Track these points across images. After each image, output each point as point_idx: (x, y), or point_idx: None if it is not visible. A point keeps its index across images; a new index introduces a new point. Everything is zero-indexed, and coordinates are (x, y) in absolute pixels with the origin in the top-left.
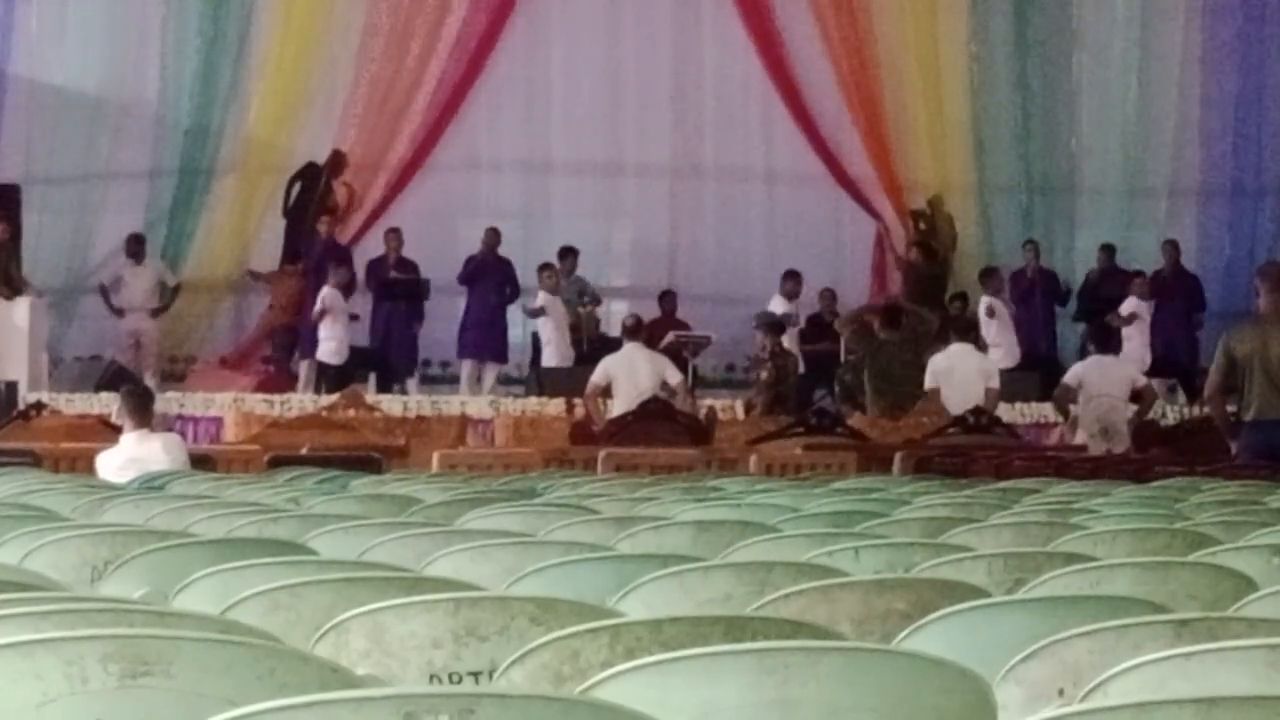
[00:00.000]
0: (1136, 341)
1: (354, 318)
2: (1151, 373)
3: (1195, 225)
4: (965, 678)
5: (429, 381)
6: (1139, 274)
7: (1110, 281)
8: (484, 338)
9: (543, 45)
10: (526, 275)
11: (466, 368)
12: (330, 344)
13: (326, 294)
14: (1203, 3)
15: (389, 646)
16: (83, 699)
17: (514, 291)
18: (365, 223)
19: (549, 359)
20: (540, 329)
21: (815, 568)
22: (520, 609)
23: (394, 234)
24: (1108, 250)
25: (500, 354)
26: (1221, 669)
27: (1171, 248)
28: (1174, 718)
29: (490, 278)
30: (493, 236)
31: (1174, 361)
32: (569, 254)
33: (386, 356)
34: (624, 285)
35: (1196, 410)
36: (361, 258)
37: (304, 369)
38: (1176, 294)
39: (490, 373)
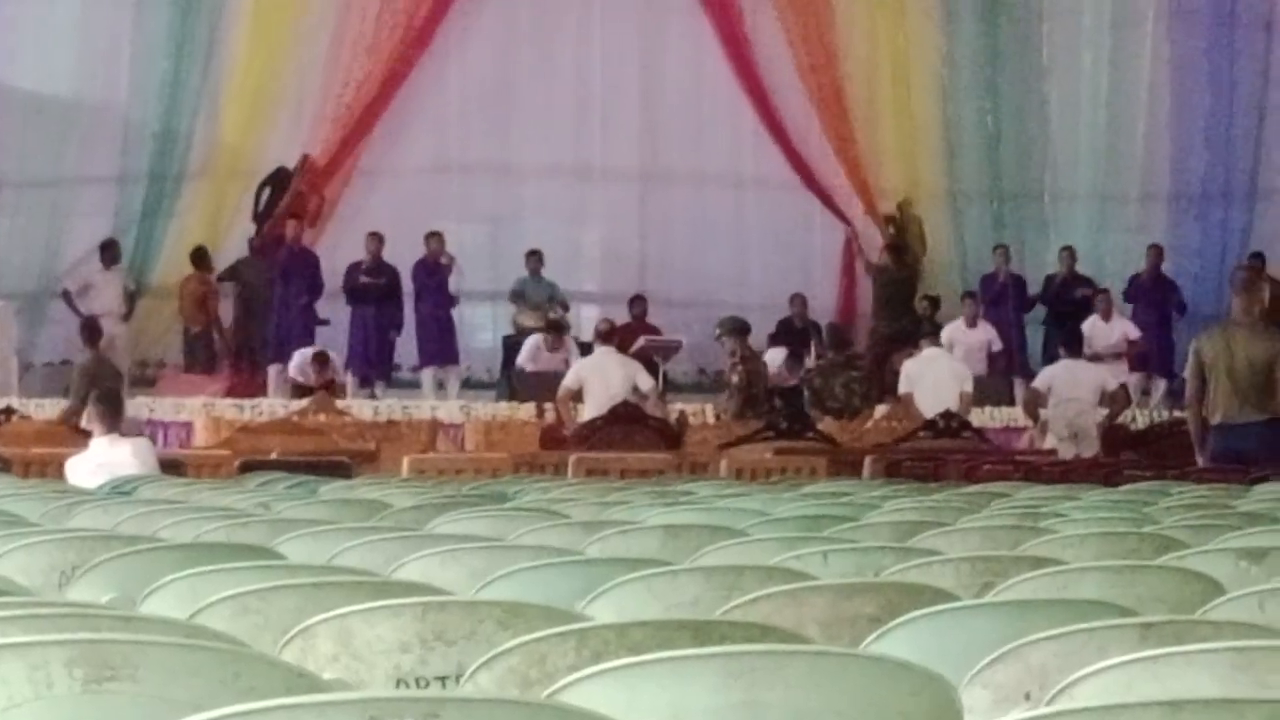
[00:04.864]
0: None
1: (324, 323)
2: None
3: (1166, 231)
4: (932, 681)
5: (399, 386)
6: (1103, 291)
7: (1075, 285)
8: (437, 343)
9: (512, 50)
10: (497, 280)
11: (427, 376)
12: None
13: (298, 364)
14: (1171, 9)
15: (356, 651)
16: (48, 704)
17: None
18: (333, 227)
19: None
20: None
21: (784, 572)
22: (488, 613)
23: (374, 238)
24: (1070, 252)
25: (454, 356)
26: (1188, 672)
27: (1154, 252)
28: None
29: (436, 283)
30: (437, 241)
31: (1150, 364)
32: (533, 257)
33: (365, 362)
34: (594, 290)
35: (1168, 413)
36: (331, 262)
37: (273, 373)
38: (1155, 298)
39: (452, 376)
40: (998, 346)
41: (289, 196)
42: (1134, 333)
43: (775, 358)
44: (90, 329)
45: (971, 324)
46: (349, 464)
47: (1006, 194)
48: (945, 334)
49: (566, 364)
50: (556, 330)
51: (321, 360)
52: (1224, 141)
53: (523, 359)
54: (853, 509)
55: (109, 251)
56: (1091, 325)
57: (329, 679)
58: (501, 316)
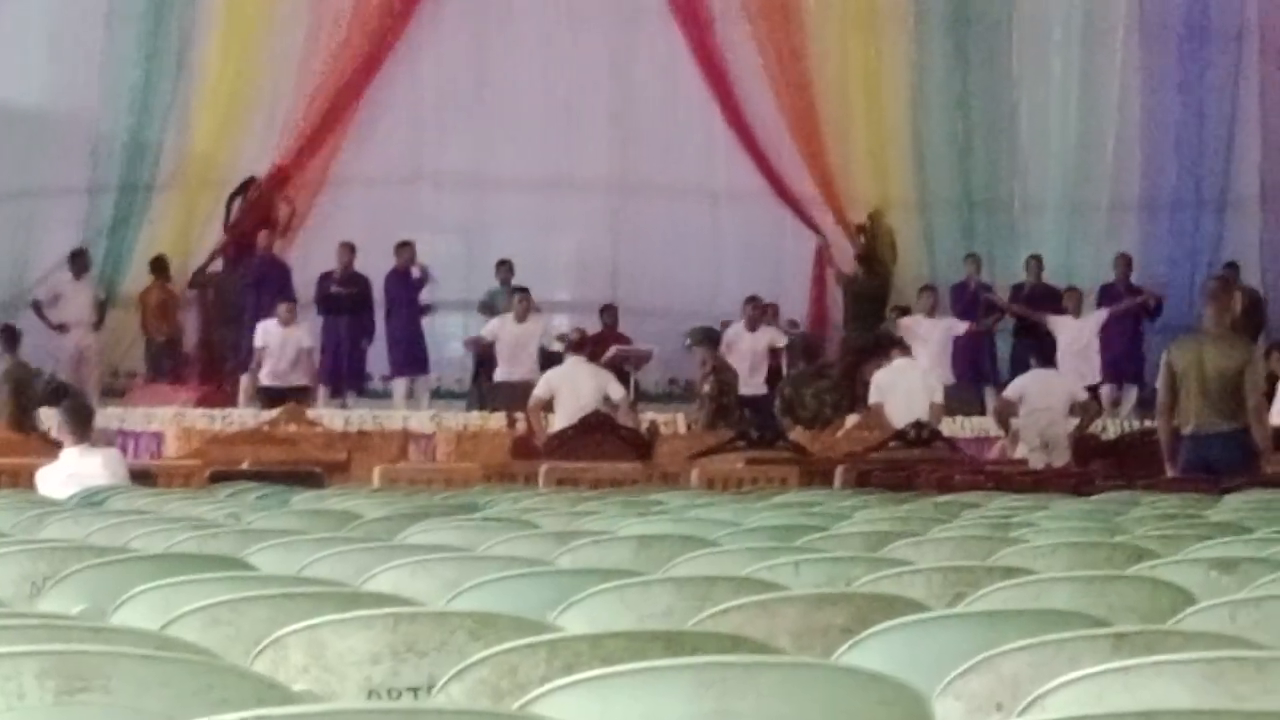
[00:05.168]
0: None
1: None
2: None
3: (1136, 240)
4: (903, 692)
5: (370, 396)
6: (1072, 289)
7: (1042, 294)
8: (407, 353)
9: (483, 60)
10: (469, 290)
11: (399, 387)
12: (268, 370)
13: (261, 330)
14: (1141, 19)
15: (327, 662)
16: (19, 715)
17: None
18: (304, 237)
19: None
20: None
21: (755, 582)
22: (459, 624)
23: (346, 248)
24: (1037, 261)
25: (425, 366)
26: (1159, 682)
27: (1123, 261)
28: None
29: (408, 293)
30: (409, 251)
31: (1122, 373)
32: (503, 267)
33: (337, 372)
34: (565, 299)
35: (1138, 423)
36: (303, 272)
37: (244, 383)
38: (1124, 310)
39: (422, 386)
40: (960, 329)
41: (259, 206)
42: (1104, 315)
43: (737, 331)
44: (8, 334)
45: (930, 315)
46: (320, 474)
47: (977, 203)
48: (906, 325)
49: (540, 337)
50: (522, 291)
51: (290, 301)
52: (1194, 151)
53: (487, 331)
54: (824, 519)
55: (78, 261)
56: (1061, 322)
57: (300, 690)
58: (473, 327)
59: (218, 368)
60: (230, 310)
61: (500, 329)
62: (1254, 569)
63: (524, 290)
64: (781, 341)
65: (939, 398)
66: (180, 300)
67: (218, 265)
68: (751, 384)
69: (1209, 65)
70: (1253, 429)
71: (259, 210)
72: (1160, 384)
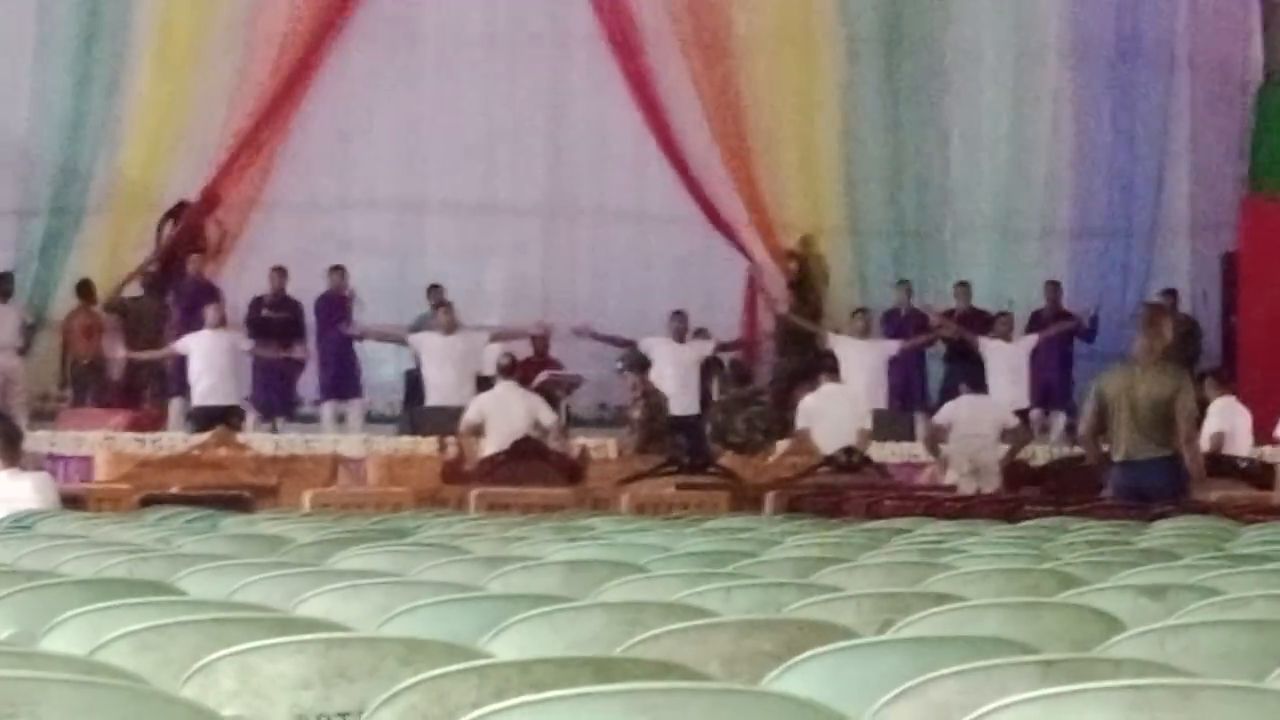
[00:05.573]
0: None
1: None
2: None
3: (1067, 266)
4: (833, 718)
5: (300, 420)
6: (1005, 313)
7: (972, 319)
8: (339, 376)
9: (417, 85)
10: (400, 315)
11: (327, 410)
12: (199, 386)
13: (189, 339)
14: (1073, 46)
15: (258, 687)
16: None
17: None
18: (236, 261)
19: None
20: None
21: (686, 608)
22: (390, 650)
23: (278, 273)
24: (965, 287)
25: (356, 390)
26: (1087, 709)
27: (1052, 288)
28: None
29: (337, 316)
30: (340, 275)
31: (1050, 399)
32: (435, 291)
33: (267, 396)
34: (497, 324)
35: (1068, 449)
36: (234, 296)
37: (175, 407)
38: (1055, 334)
39: (354, 410)
40: (894, 350)
41: (190, 230)
42: (1034, 341)
43: (654, 344)
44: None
45: (864, 336)
46: (250, 498)
47: (908, 230)
48: (836, 339)
49: (470, 344)
50: (446, 305)
51: (216, 299)
52: (1126, 178)
53: (413, 341)
54: (754, 545)
55: (4, 285)
56: (992, 346)
57: (230, 716)
58: (403, 351)
59: (139, 393)
60: (150, 336)
61: (425, 340)
62: (1182, 596)
63: (448, 303)
64: (709, 349)
65: (867, 424)
66: (104, 325)
67: (136, 289)
68: (683, 400)
69: (1140, 92)
70: (1184, 455)
71: (190, 234)
72: (1087, 410)
